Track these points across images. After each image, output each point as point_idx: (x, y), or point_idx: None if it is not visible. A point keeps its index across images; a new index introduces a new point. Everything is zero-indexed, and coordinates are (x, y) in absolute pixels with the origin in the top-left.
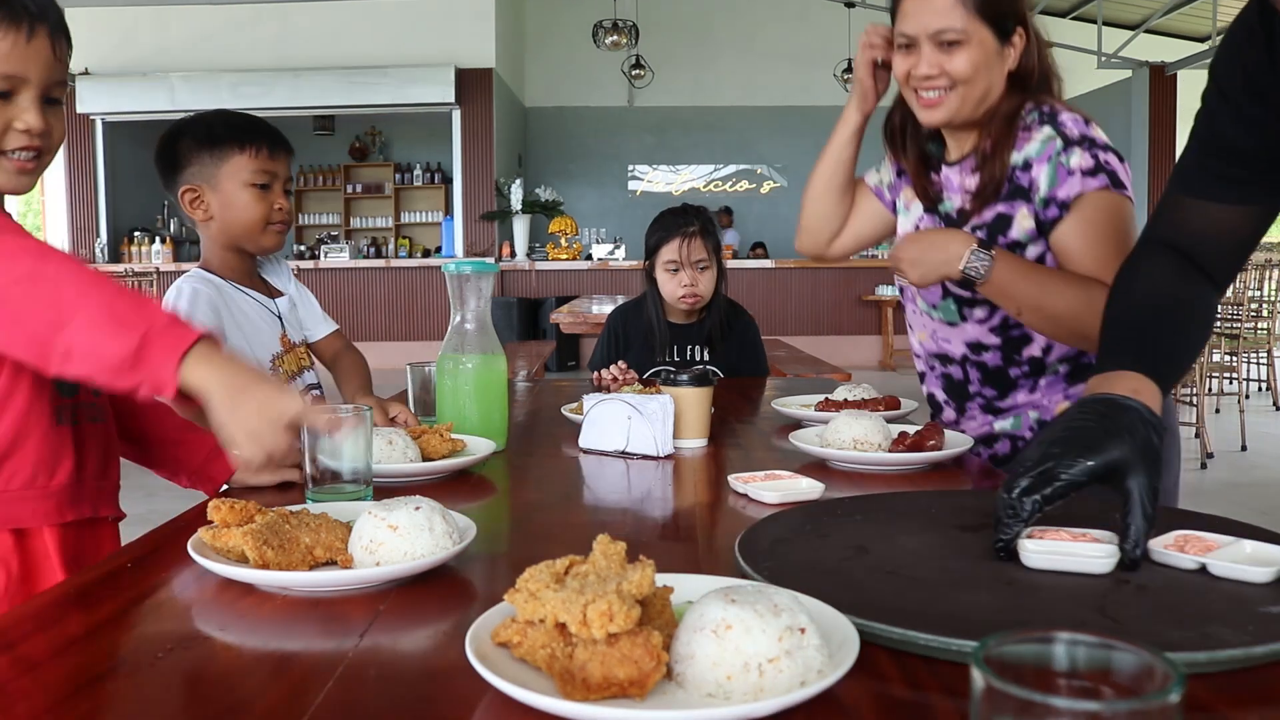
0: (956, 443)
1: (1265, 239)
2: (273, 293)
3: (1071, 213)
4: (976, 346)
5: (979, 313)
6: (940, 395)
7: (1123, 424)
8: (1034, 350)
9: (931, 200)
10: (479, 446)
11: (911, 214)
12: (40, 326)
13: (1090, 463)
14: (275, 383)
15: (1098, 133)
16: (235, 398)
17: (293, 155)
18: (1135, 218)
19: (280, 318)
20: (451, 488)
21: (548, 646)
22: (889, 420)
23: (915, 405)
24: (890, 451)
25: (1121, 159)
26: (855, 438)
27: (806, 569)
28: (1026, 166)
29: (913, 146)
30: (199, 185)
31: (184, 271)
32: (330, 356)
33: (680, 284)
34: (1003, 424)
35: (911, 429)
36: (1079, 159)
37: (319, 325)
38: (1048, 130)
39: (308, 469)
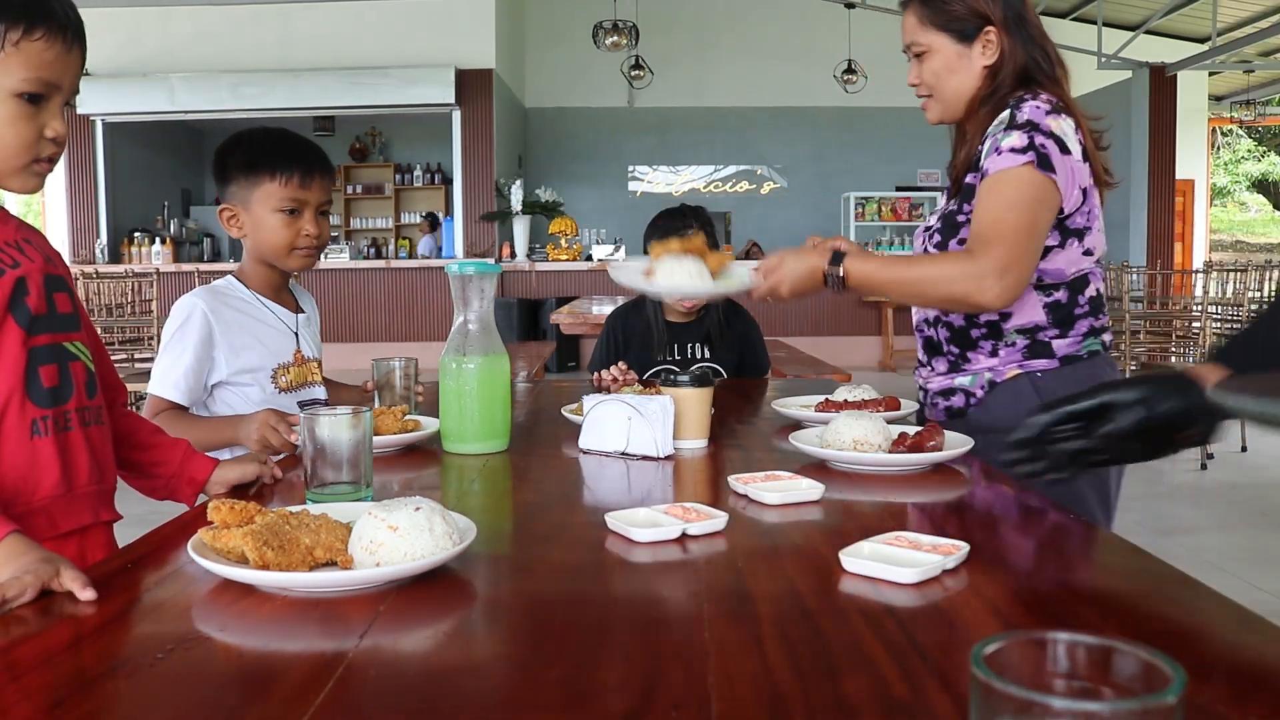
0: (956, 443)
1: (1265, 239)
2: (298, 308)
3: (985, 181)
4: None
5: None
6: (921, 355)
7: (1155, 379)
8: (990, 315)
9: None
10: (430, 427)
11: None
12: None
13: (1132, 393)
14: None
15: (1052, 122)
16: None
17: (331, 177)
18: (1051, 198)
19: (296, 334)
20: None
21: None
22: (889, 421)
23: (915, 406)
24: (890, 452)
25: (1065, 150)
26: (855, 438)
27: None
28: (982, 145)
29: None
30: (235, 206)
31: (184, 273)
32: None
33: None
34: (961, 380)
35: (911, 429)
36: (1014, 139)
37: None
38: (1005, 114)
39: (307, 467)
